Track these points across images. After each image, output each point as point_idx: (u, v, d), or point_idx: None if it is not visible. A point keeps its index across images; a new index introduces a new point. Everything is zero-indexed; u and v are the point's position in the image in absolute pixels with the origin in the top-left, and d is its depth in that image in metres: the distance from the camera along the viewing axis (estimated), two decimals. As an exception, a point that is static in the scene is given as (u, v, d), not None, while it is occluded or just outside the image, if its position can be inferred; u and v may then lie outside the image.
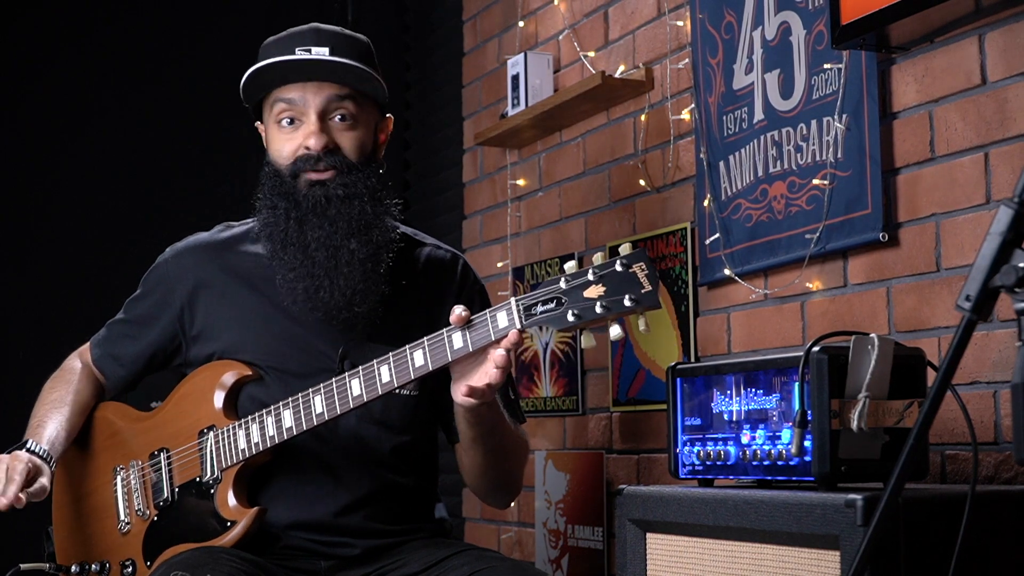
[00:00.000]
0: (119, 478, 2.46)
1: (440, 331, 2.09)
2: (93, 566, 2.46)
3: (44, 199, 4.03)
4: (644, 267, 1.96)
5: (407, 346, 2.13)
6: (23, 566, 2.47)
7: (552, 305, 2.00)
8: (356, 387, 2.17)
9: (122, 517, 2.44)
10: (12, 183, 3.99)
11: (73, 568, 2.47)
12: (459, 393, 2.11)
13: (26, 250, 3.99)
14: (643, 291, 1.95)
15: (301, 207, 2.30)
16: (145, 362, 2.52)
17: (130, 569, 2.41)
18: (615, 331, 1.98)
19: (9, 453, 2.34)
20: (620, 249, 1.99)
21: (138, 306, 2.53)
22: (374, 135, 2.39)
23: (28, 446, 2.36)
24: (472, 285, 2.49)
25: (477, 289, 2.50)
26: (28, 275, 3.96)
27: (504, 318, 2.04)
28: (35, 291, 3.95)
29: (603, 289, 1.97)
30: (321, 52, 2.30)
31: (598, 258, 2.00)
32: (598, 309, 1.97)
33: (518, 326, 2.03)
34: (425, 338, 2.10)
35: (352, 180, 2.30)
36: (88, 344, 2.60)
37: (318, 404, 2.21)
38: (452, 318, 2.07)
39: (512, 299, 2.04)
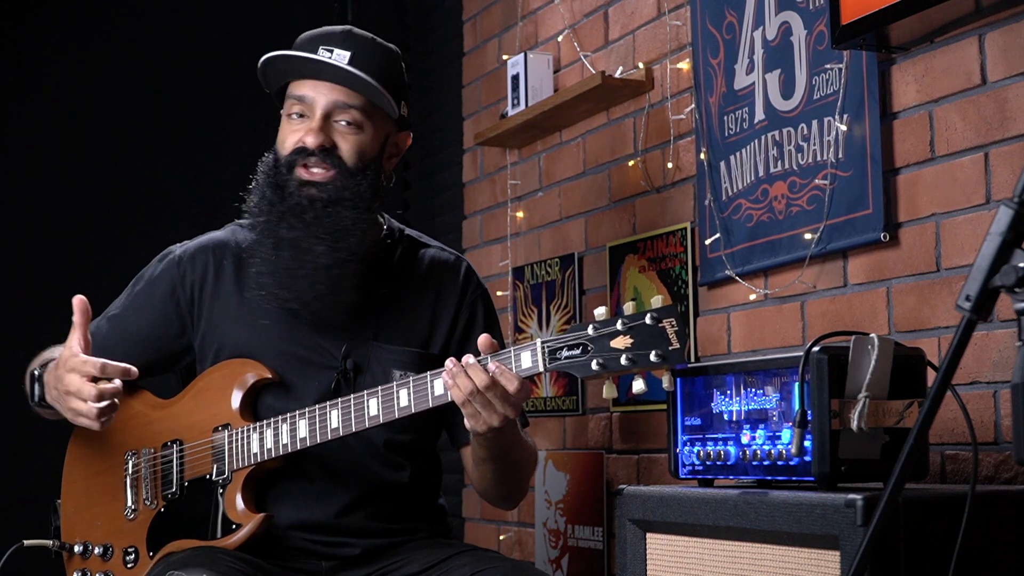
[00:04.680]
0: (130, 463, 2.47)
1: (460, 361, 2.09)
2: (96, 548, 2.47)
3: (44, 199, 4.03)
4: (674, 323, 1.96)
5: (428, 373, 2.16)
6: (26, 542, 2.48)
7: (578, 351, 2.01)
8: (374, 407, 2.20)
9: (129, 503, 2.45)
10: (12, 183, 3.99)
11: (76, 547, 2.48)
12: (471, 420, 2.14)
13: (26, 250, 3.99)
14: (670, 348, 1.96)
15: (285, 203, 2.33)
16: (145, 357, 2.47)
17: (132, 556, 2.42)
18: (638, 386, 1.99)
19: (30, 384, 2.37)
20: (651, 301, 1.99)
21: (141, 298, 2.51)
22: (381, 146, 2.40)
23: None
24: (475, 289, 2.51)
25: (480, 293, 2.52)
26: (28, 275, 3.96)
27: (528, 358, 2.06)
28: (35, 291, 3.95)
29: (630, 341, 1.97)
30: (342, 56, 2.33)
31: (629, 307, 1.99)
32: (623, 361, 1.97)
33: (541, 368, 2.05)
34: (443, 369, 2.12)
35: (341, 184, 2.32)
36: None
37: (334, 419, 2.24)
38: (480, 343, 2.09)
39: (538, 340, 2.05)
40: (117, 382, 2.23)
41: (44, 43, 4.05)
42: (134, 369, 2.27)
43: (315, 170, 2.33)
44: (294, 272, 2.32)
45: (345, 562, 2.36)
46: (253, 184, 2.40)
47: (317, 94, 2.34)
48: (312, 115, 2.34)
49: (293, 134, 2.36)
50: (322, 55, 2.33)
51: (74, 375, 2.22)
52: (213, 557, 2.22)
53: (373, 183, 2.36)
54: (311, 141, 2.32)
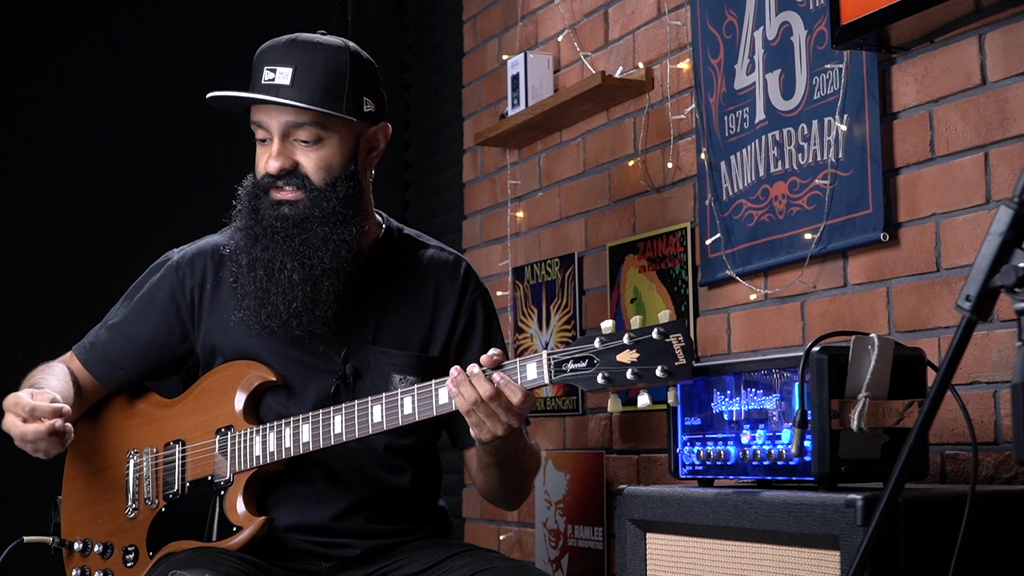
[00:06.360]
0: (132, 462, 2.47)
1: (465, 371, 2.10)
2: (96, 546, 2.47)
3: (44, 199, 4.02)
4: (681, 339, 1.97)
5: (433, 381, 2.17)
6: (26, 539, 2.48)
7: (584, 364, 2.01)
8: (377, 414, 2.21)
9: (130, 502, 2.46)
10: (12, 183, 3.99)
11: (76, 545, 2.49)
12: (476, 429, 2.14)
13: (26, 250, 3.99)
14: (676, 363, 1.96)
15: (260, 224, 2.34)
16: (149, 363, 2.50)
17: (132, 555, 2.43)
18: (643, 400, 1.99)
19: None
20: (659, 316, 1.99)
21: (141, 305, 2.51)
22: (351, 149, 2.37)
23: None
24: (475, 290, 2.50)
25: (479, 294, 2.51)
26: (28, 275, 3.96)
27: (534, 370, 2.07)
28: (35, 292, 3.95)
29: (636, 355, 1.97)
30: (285, 74, 2.30)
31: (636, 321, 1.99)
32: (629, 376, 1.97)
33: (546, 381, 2.05)
34: (448, 378, 2.12)
35: (310, 202, 2.32)
36: (72, 353, 2.56)
37: (338, 424, 2.25)
38: (483, 359, 2.09)
39: (544, 352, 2.06)
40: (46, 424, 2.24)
41: (44, 45, 4.05)
42: (67, 408, 2.28)
43: (286, 188, 2.34)
44: (268, 290, 2.32)
45: (345, 562, 2.36)
46: (237, 206, 2.41)
47: (269, 118, 2.33)
48: (270, 139, 2.34)
49: (261, 159, 2.37)
50: (266, 76, 2.32)
51: (8, 415, 2.28)
52: (215, 557, 2.22)
53: (345, 194, 2.34)
54: (273, 166, 2.32)
